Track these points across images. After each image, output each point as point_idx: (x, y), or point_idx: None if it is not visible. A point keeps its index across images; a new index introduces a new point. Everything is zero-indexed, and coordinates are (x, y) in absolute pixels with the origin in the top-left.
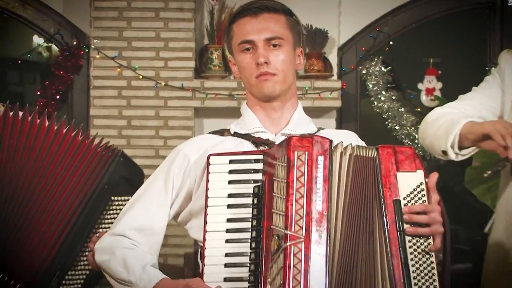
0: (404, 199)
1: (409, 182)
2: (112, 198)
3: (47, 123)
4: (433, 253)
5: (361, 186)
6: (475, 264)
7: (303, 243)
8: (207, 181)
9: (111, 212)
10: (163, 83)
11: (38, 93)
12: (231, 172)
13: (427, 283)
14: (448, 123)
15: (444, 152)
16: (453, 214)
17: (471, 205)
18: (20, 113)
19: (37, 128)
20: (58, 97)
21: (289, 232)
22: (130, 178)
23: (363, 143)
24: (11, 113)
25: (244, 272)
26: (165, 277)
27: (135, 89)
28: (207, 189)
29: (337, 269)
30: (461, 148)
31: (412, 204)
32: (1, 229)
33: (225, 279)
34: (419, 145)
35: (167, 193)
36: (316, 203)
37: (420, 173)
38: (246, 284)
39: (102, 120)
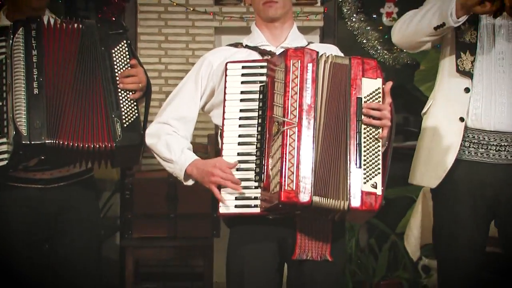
0: (365, 98)
1: (370, 86)
2: (112, 51)
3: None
4: (380, 140)
5: (336, 86)
6: None
7: (296, 127)
8: (225, 81)
9: (120, 59)
10: (192, 9)
11: (99, 16)
12: (243, 75)
13: (373, 160)
14: (435, 8)
15: (437, 28)
16: (406, 105)
17: (419, 98)
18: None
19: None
20: (114, 19)
21: (286, 119)
22: (114, 29)
23: (341, 54)
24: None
25: (252, 148)
26: (197, 158)
27: (171, 13)
28: (225, 87)
29: (320, 146)
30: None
31: (370, 102)
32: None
33: (238, 154)
34: (381, 54)
35: (197, 90)
36: (306, 98)
37: (379, 81)
38: (254, 157)
39: (146, 36)
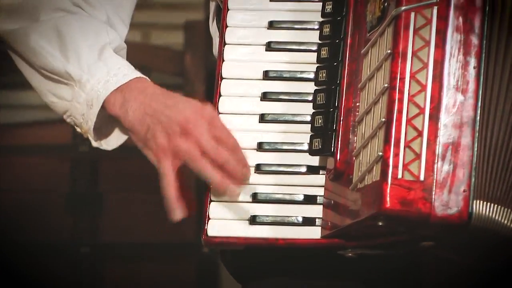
0: None
1: None
2: None
3: None
4: None
5: None
6: None
7: (436, 14)
8: None
9: None
10: None
11: None
12: None
13: None
14: None
15: None
16: None
17: None
18: None
19: None
20: None
21: None
22: None
23: None
24: None
25: (307, 59)
26: (143, 77)
27: None
28: None
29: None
30: None
31: None
32: None
33: (265, 76)
34: None
35: None
36: None
37: None
38: (309, 86)
39: None
